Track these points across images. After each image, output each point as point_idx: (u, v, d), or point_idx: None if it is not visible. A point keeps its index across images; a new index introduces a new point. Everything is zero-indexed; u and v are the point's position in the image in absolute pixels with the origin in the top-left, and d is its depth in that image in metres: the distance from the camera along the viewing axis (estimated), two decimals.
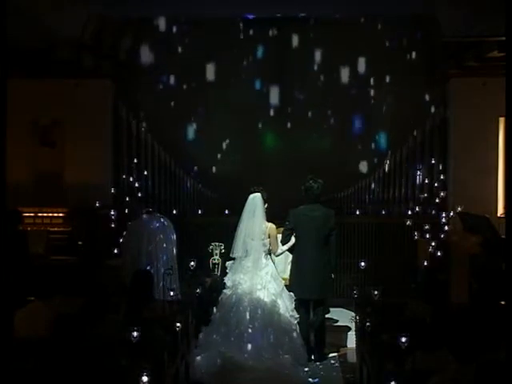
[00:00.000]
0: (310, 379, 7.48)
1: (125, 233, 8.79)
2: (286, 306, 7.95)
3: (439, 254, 8.49)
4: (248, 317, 7.76)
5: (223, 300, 8.02)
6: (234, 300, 7.89)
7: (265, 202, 8.22)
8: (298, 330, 7.92)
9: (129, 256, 8.39)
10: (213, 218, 10.66)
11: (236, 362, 7.37)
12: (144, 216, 8.57)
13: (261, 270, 8.05)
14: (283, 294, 8.01)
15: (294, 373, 7.44)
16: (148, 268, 7.90)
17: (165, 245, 8.44)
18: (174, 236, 8.53)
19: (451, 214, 9.74)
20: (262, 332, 7.66)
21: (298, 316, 7.97)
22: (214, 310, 8.32)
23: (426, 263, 8.31)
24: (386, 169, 10.90)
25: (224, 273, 8.55)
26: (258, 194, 8.22)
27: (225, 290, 8.12)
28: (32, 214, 10.03)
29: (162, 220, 8.58)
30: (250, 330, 7.67)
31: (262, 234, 8.13)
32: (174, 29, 10.93)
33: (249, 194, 8.27)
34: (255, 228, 8.14)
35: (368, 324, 6.48)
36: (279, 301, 7.95)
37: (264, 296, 7.92)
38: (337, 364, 8.05)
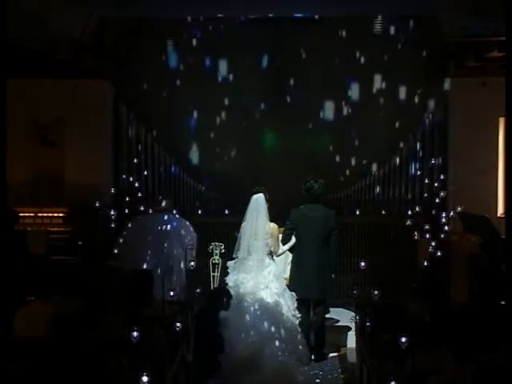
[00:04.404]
0: None
1: (133, 228, 8.85)
2: (288, 305, 7.97)
3: (439, 253, 8.49)
4: (251, 316, 7.76)
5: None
6: (236, 300, 7.89)
7: (267, 201, 8.24)
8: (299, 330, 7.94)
9: (137, 252, 8.51)
10: (213, 218, 10.65)
11: (239, 361, 7.36)
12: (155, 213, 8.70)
13: (264, 270, 8.07)
14: (285, 294, 8.04)
15: (296, 372, 7.44)
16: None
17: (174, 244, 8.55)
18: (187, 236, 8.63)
19: (451, 213, 9.74)
20: (265, 331, 7.66)
21: (299, 315, 7.98)
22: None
23: (426, 263, 8.32)
24: (387, 169, 10.91)
25: (225, 273, 8.56)
26: (261, 195, 8.25)
27: None
28: (32, 214, 10.03)
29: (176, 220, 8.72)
30: (252, 330, 7.66)
31: (265, 234, 8.15)
32: (174, 29, 10.94)
33: (251, 195, 8.29)
34: (259, 228, 8.16)
35: (368, 324, 6.48)
36: (281, 300, 7.97)
37: (267, 295, 7.95)
38: (337, 364, 8.05)
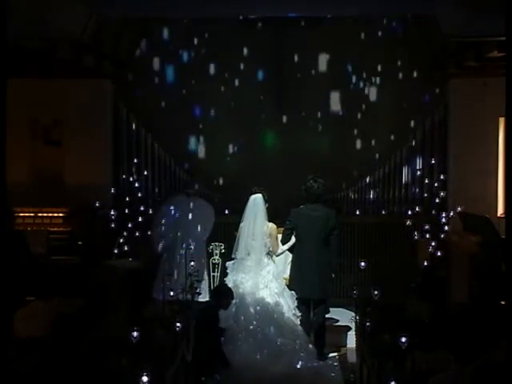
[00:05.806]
0: None
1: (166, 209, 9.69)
2: (288, 304, 7.96)
3: (439, 254, 8.48)
4: (251, 316, 7.75)
5: None
6: (236, 300, 7.88)
7: (265, 202, 8.24)
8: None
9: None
10: None
11: (241, 361, 7.35)
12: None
13: (262, 270, 8.07)
14: (285, 293, 8.03)
15: (299, 372, 7.43)
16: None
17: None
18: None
19: (451, 213, 9.74)
20: (266, 331, 7.65)
21: (299, 315, 7.98)
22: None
23: (426, 263, 8.31)
24: (387, 169, 10.91)
25: (224, 273, 8.56)
26: (260, 195, 8.25)
27: None
28: (32, 214, 10.02)
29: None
30: (253, 330, 7.65)
31: (264, 235, 8.14)
32: (174, 29, 10.94)
33: (250, 195, 8.29)
34: (257, 228, 8.16)
35: (368, 324, 6.49)
36: (282, 300, 7.96)
37: (267, 295, 7.94)
38: (337, 364, 8.05)
